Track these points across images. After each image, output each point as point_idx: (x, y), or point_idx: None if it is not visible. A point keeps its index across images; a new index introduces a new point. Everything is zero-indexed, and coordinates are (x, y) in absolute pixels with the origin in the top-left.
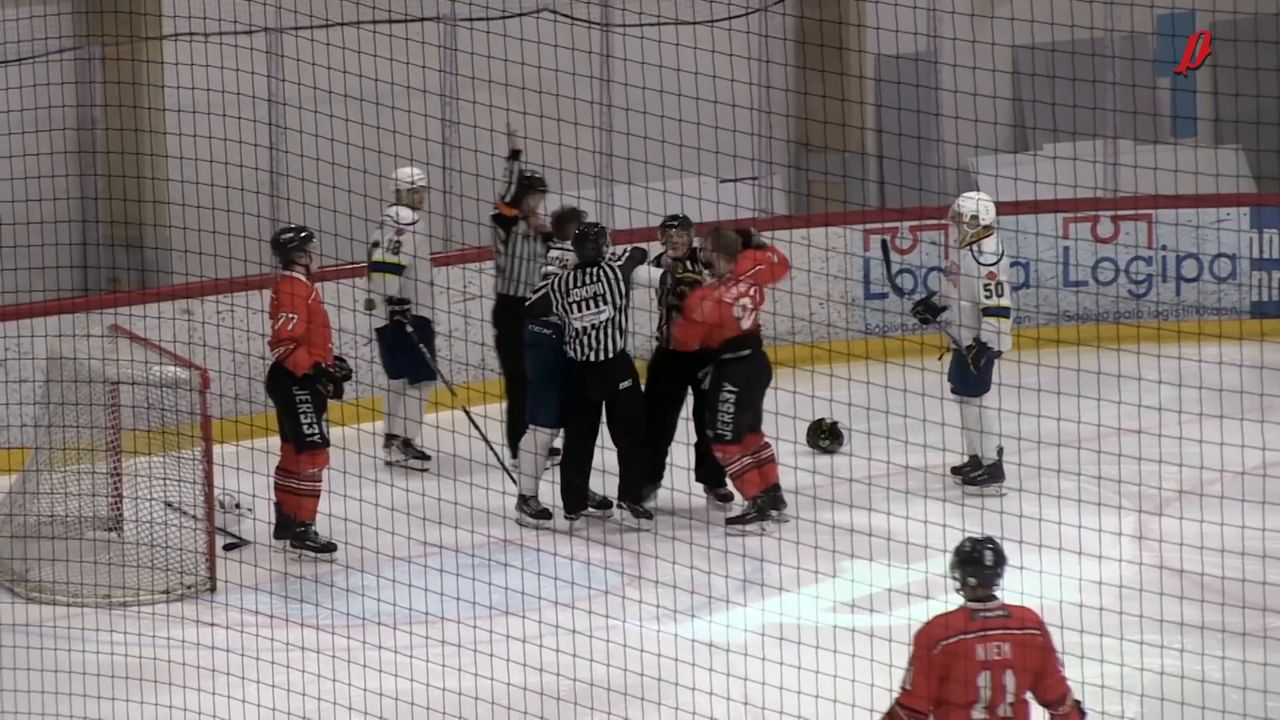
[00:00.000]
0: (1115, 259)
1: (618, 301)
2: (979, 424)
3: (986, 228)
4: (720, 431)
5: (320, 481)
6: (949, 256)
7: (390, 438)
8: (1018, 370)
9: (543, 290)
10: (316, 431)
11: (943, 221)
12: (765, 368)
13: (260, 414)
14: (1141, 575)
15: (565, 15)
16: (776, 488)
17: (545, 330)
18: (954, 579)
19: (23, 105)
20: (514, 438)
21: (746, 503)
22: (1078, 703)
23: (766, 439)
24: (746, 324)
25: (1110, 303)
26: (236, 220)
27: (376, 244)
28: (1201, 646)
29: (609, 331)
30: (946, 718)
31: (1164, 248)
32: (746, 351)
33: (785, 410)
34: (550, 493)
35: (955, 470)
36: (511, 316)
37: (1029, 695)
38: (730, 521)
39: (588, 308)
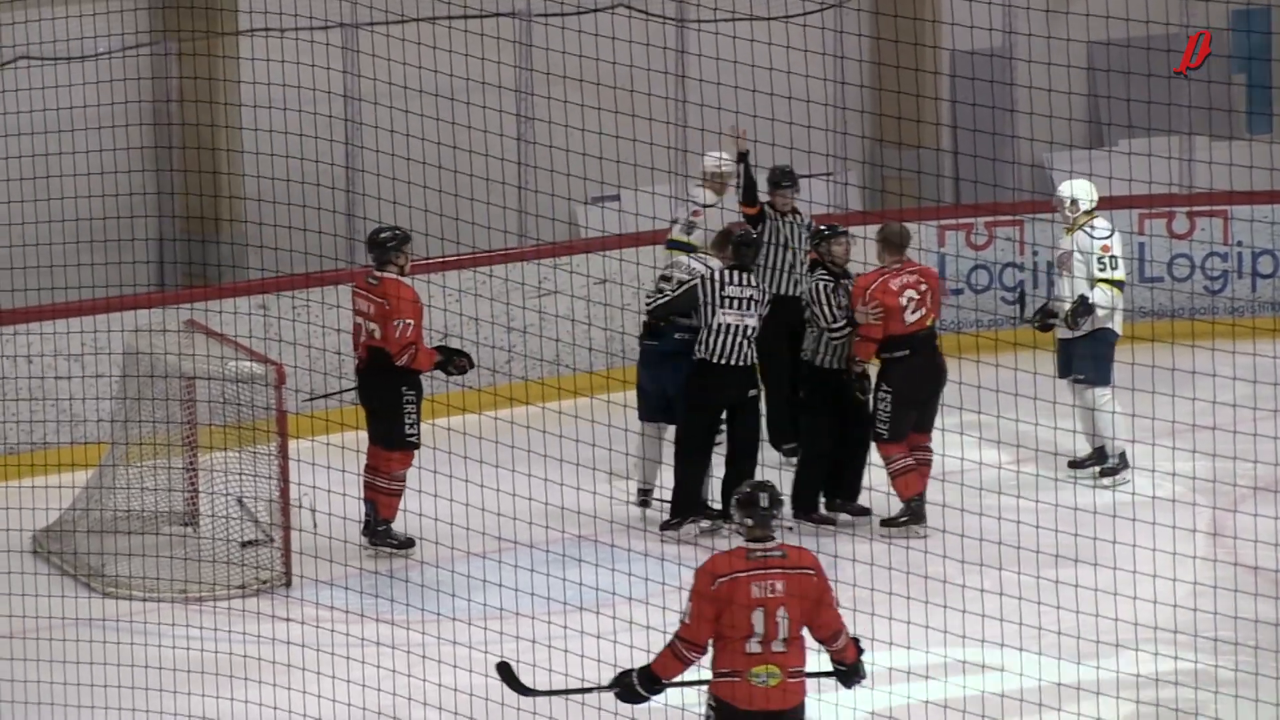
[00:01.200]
0: (1191, 255)
1: (762, 314)
2: (1099, 413)
3: (1089, 211)
4: (879, 430)
5: (405, 481)
6: (1060, 247)
7: None
8: (1113, 368)
9: (683, 290)
10: (416, 432)
11: (1017, 218)
12: (931, 371)
13: (335, 409)
14: (1216, 572)
15: (641, 11)
16: (920, 498)
17: (691, 337)
18: (735, 521)
19: (99, 101)
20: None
21: (902, 504)
22: (855, 640)
23: (929, 445)
24: (911, 318)
25: (1186, 299)
26: (312, 216)
27: (675, 221)
28: (1276, 644)
29: (750, 338)
30: (723, 651)
31: (1240, 244)
32: (905, 352)
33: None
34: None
35: (1074, 464)
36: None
37: (805, 632)
38: (885, 523)
39: (740, 308)
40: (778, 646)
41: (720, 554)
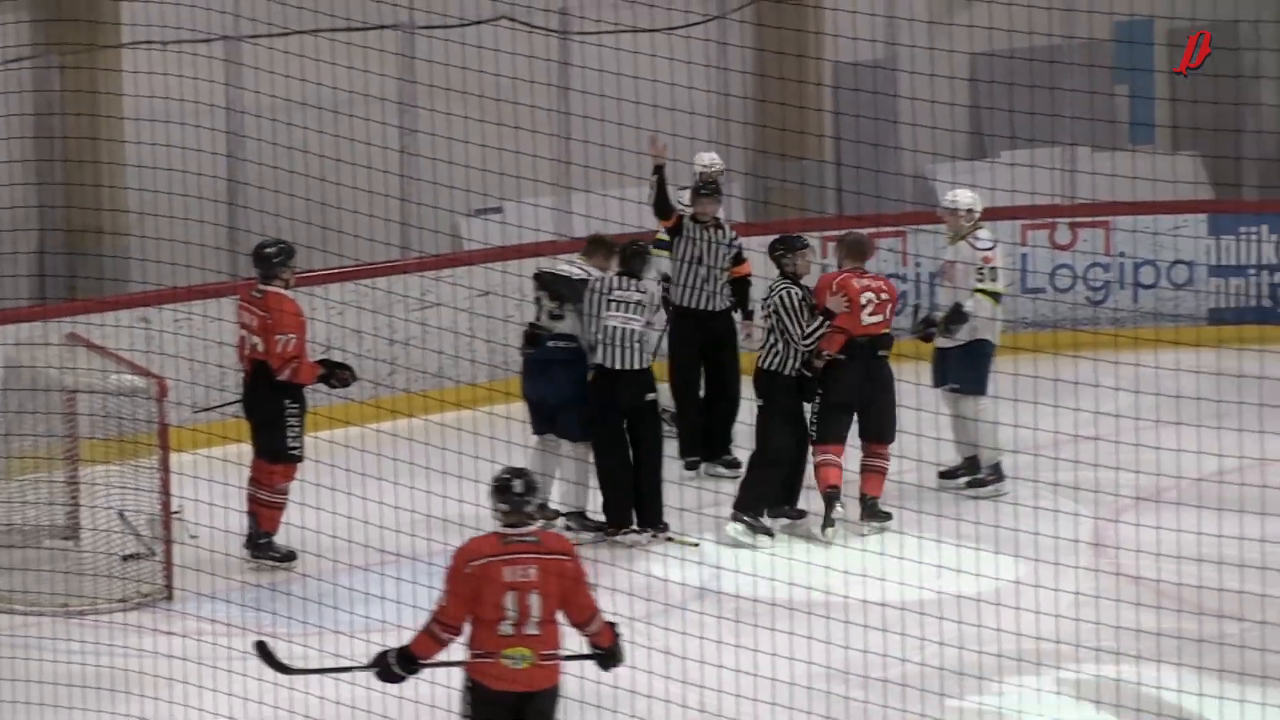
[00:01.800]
0: (1073, 266)
1: (652, 320)
2: (975, 423)
3: (978, 221)
4: (810, 431)
5: (287, 494)
6: (942, 257)
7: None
8: (992, 377)
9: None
10: (299, 445)
11: (900, 229)
12: (869, 378)
13: (218, 422)
14: (1099, 582)
15: (524, 23)
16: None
17: (570, 344)
18: (492, 507)
19: None
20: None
21: (824, 498)
22: (612, 625)
23: (886, 453)
24: (867, 320)
25: (1068, 309)
26: (195, 229)
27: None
28: (1158, 653)
29: (640, 342)
30: (478, 633)
31: (1122, 254)
32: (842, 356)
33: (745, 419)
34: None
35: (943, 474)
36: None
37: (561, 616)
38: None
39: (626, 310)
40: (530, 629)
41: (477, 537)
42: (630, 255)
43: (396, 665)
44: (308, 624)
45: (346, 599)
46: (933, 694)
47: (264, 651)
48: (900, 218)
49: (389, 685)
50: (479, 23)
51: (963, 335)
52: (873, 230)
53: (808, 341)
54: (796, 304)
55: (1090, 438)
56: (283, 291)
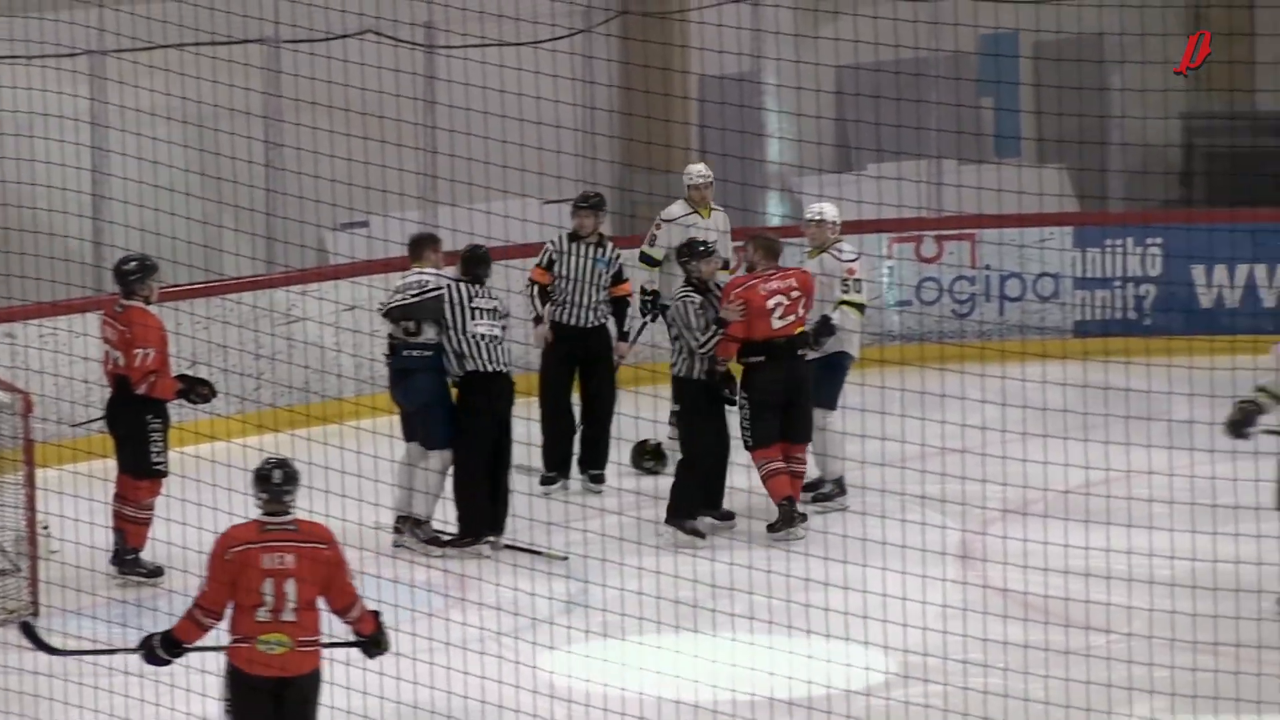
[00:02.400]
0: (939, 278)
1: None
2: (823, 440)
3: (839, 233)
4: (744, 438)
5: (153, 510)
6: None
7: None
8: (843, 390)
9: (428, 295)
10: (163, 460)
11: None
12: (790, 378)
13: (83, 438)
14: (966, 594)
15: (389, 37)
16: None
17: (427, 353)
18: (253, 495)
19: None
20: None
21: (779, 509)
22: (375, 613)
23: (804, 456)
24: (778, 323)
25: (934, 322)
26: (59, 243)
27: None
28: (1025, 665)
29: (505, 349)
30: (237, 618)
31: (988, 267)
32: (762, 358)
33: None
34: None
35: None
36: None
37: (322, 604)
38: (770, 529)
39: (489, 318)
40: (287, 616)
41: (237, 525)
42: (474, 261)
43: (160, 649)
44: None
45: None
46: (801, 707)
47: (29, 633)
48: (766, 230)
49: (157, 665)
50: (344, 36)
51: (828, 346)
52: (738, 244)
53: (704, 349)
54: (692, 313)
55: (957, 450)
56: (144, 307)
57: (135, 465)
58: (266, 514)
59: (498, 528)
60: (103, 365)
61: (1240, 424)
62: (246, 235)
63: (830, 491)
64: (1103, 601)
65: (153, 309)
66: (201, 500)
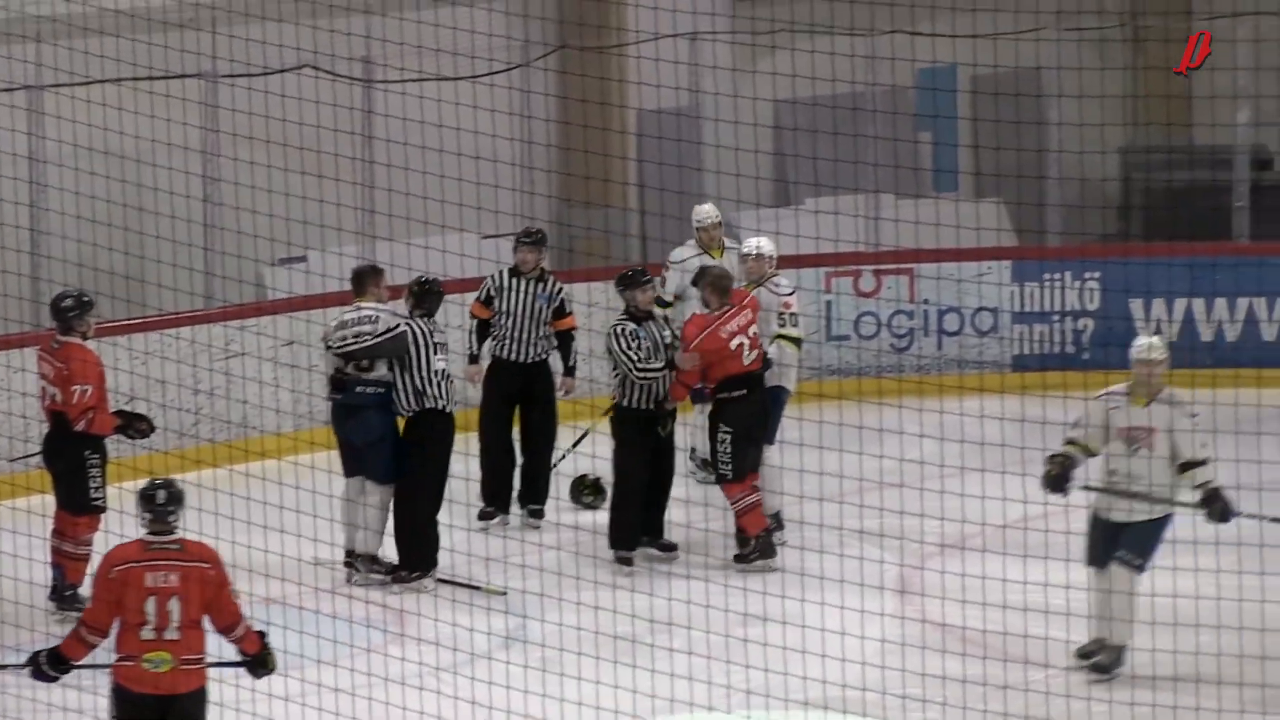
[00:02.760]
0: (877, 313)
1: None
2: (761, 475)
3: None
4: (722, 471)
5: (92, 545)
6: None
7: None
8: (780, 425)
9: (391, 335)
10: (101, 496)
11: None
12: (762, 409)
13: (21, 473)
14: (904, 629)
15: (327, 72)
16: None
17: (379, 389)
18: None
19: None
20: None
21: (752, 540)
22: (261, 633)
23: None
24: (748, 358)
25: (873, 357)
26: None
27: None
28: (963, 700)
29: (453, 384)
30: (122, 636)
31: (926, 301)
32: (743, 391)
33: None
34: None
35: None
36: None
37: (207, 622)
38: (737, 559)
39: (443, 353)
40: (171, 634)
41: (122, 544)
42: (424, 294)
43: (47, 665)
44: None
45: None
46: None
47: None
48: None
49: (44, 681)
50: (282, 71)
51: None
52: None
53: (643, 376)
54: (626, 342)
55: (896, 485)
56: (81, 343)
57: (73, 501)
58: (151, 533)
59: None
60: (40, 401)
61: (1058, 479)
62: (185, 270)
63: (769, 526)
64: (1041, 636)
65: (90, 344)
66: (140, 536)
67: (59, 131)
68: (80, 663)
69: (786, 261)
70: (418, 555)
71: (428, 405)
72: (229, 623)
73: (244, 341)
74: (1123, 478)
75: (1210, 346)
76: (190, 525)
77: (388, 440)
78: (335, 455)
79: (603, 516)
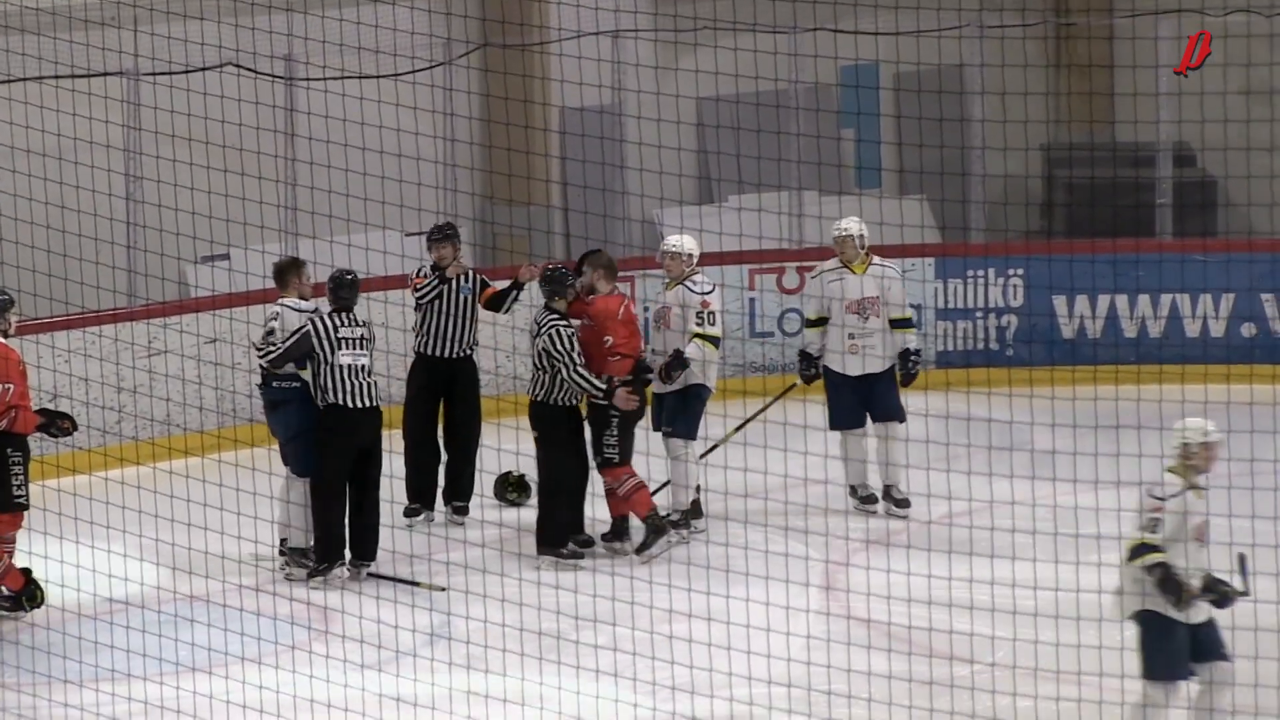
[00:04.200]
0: (801, 310)
1: (372, 351)
2: (682, 469)
3: (695, 266)
4: (608, 455)
5: (15, 543)
6: (659, 300)
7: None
8: (704, 422)
9: (295, 338)
10: (25, 494)
11: (627, 274)
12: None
13: None
14: (829, 625)
15: (249, 69)
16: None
17: (295, 384)
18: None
19: None
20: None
21: (645, 525)
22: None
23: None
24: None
25: (795, 354)
26: None
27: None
28: (889, 696)
29: (371, 378)
30: None
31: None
32: (629, 378)
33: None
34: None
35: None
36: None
37: None
38: (640, 550)
39: (355, 348)
40: None
41: None
42: (340, 286)
43: None
44: (37, 673)
45: (76, 648)
46: None
47: None
48: (627, 262)
49: None
50: (204, 69)
51: (680, 380)
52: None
53: (583, 378)
54: (568, 342)
55: (820, 481)
56: (2, 341)
57: None
58: None
59: (367, 556)
60: None
61: (1176, 585)
62: (107, 268)
63: (679, 521)
64: (966, 632)
65: (12, 342)
66: (64, 533)
67: None
68: None
69: (710, 258)
70: (321, 547)
71: (330, 400)
72: None
73: (167, 339)
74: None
75: (1134, 343)
76: (114, 523)
77: (305, 434)
78: (258, 452)
79: (527, 514)
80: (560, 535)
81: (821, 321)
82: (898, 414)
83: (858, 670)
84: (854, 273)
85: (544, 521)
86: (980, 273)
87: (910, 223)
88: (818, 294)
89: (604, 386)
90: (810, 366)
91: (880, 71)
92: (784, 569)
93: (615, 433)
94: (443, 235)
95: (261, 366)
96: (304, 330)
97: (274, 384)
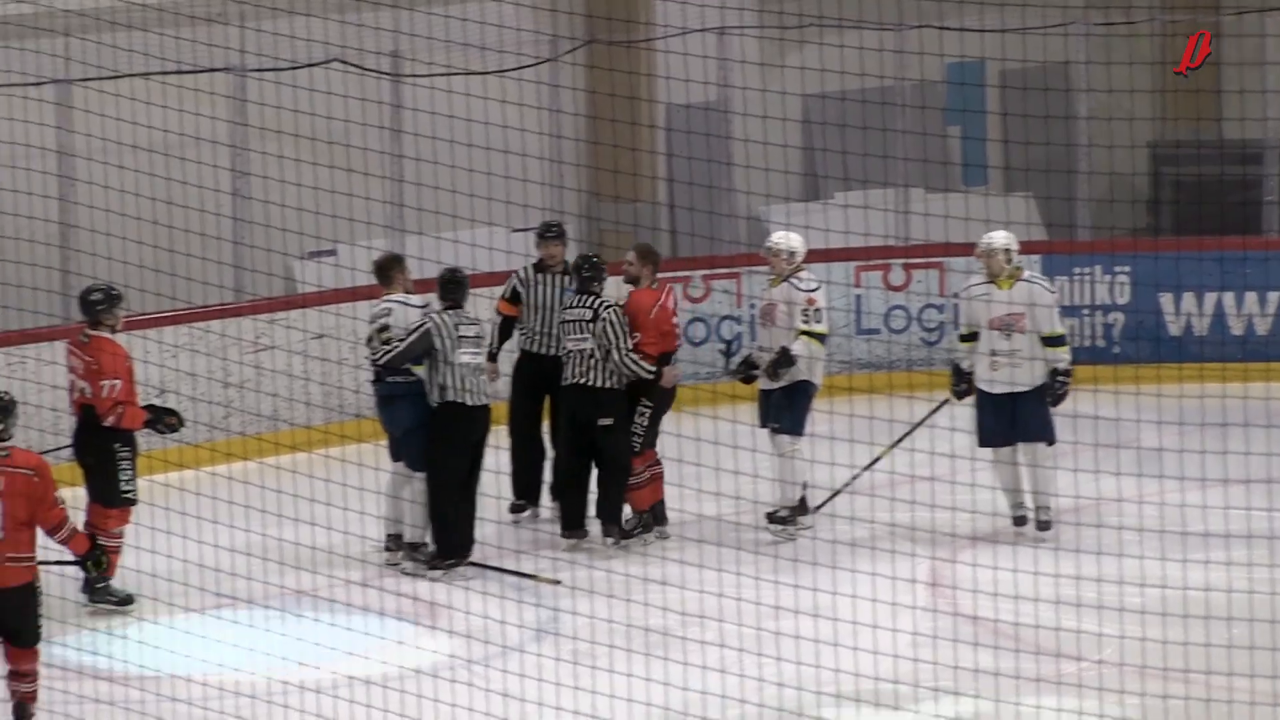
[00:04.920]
0: (907, 307)
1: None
2: (790, 465)
3: (801, 263)
4: (635, 443)
5: (124, 538)
6: (764, 296)
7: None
8: (812, 418)
9: (416, 335)
10: (133, 489)
11: (734, 271)
12: (674, 388)
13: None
14: (936, 622)
15: (355, 66)
16: (661, 504)
17: (409, 379)
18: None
19: None
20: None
21: (634, 516)
22: (90, 535)
23: (658, 457)
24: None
25: (903, 350)
26: (27, 272)
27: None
28: (996, 693)
29: (482, 375)
30: None
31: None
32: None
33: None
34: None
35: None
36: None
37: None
38: (615, 535)
39: (473, 346)
40: None
41: None
42: (453, 286)
43: None
44: (145, 668)
45: (185, 642)
46: None
47: None
48: (733, 259)
49: None
50: (311, 65)
51: (786, 377)
52: (706, 272)
53: (635, 364)
54: (621, 326)
55: (927, 478)
56: (110, 336)
57: (105, 494)
58: None
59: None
60: (69, 395)
61: None
62: (214, 264)
63: (788, 516)
64: (1073, 629)
65: (119, 338)
66: (171, 528)
67: (88, 126)
68: None
69: (816, 256)
70: (443, 543)
71: (448, 398)
72: (53, 525)
73: (274, 335)
74: None
75: (1240, 341)
76: (221, 518)
77: (418, 430)
78: (365, 448)
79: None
80: (620, 513)
81: (972, 336)
82: (1044, 434)
83: (963, 667)
84: (1000, 288)
85: (617, 503)
86: (1087, 270)
87: (1016, 220)
88: (965, 310)
89: (654, 370)
90: (962, 381)
91: (986, 69)
92: (890, 566)
93: (646, 421)
94: (554, 234)
95: (374, 363)
96: (425, 328)
97: (387, 379)
